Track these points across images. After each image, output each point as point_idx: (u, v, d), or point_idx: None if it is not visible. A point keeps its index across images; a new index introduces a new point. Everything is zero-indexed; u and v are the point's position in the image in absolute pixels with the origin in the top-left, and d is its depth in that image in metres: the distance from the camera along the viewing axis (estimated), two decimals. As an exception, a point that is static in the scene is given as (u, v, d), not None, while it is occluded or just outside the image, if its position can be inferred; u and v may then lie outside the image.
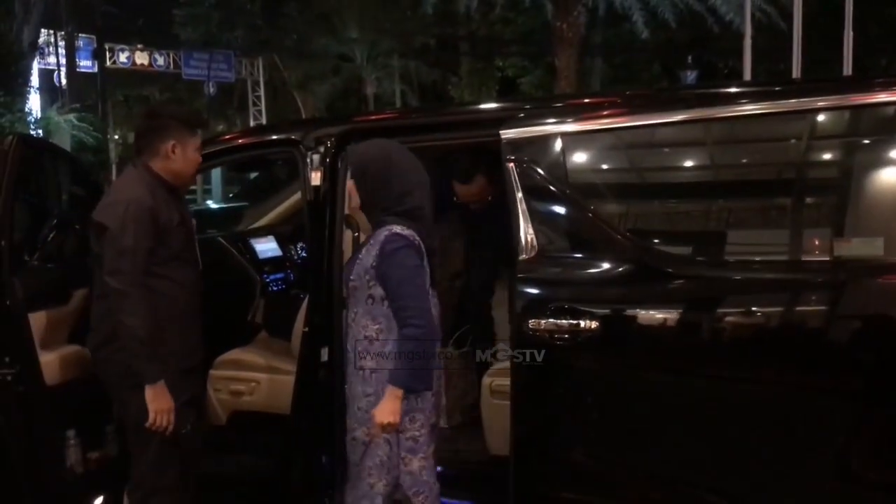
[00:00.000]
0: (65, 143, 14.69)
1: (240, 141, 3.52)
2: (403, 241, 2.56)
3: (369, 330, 2.60)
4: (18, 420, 2.79)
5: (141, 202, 2.74)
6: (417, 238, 2.61)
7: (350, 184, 2.70)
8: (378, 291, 2.58)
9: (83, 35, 19.91)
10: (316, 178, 3.19)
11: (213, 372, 3.66)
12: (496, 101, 7.66)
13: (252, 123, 24.47)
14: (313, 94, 23.10)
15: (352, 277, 2.63)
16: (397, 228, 2.58)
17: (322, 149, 3.16)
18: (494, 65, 23.40)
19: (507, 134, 2.73)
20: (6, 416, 2.78)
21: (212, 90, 24.22)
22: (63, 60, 18.75)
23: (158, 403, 2.71)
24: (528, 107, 2.94)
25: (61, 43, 18.81)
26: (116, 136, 22.97)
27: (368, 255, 2.59)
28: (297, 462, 3.07)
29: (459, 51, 23.31)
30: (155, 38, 22.29)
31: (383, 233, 2.58)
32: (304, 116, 21.27)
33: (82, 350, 2.98)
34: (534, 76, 22.01)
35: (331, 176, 3.13)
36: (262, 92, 25.20)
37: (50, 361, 2.89)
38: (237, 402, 3.67)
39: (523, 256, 2.63)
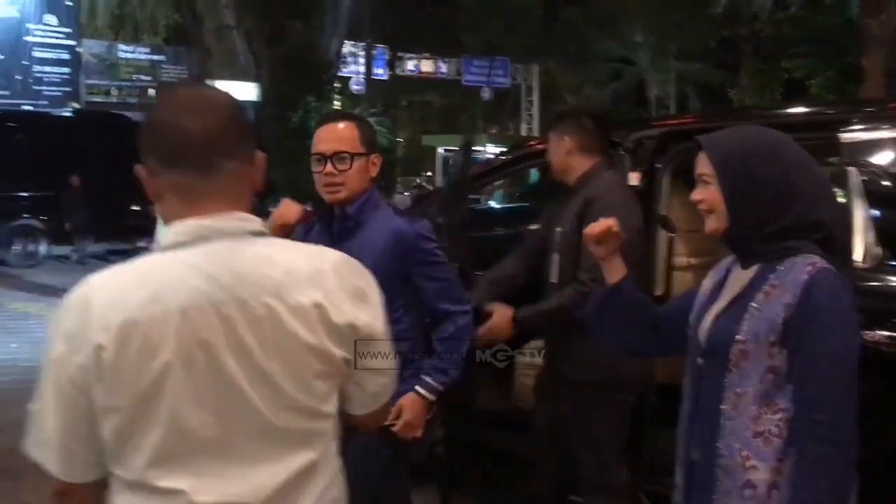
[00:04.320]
0: (361, 144, 16.13)
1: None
2: (846, 291, 1.62)
3: (764, 422, 1.63)
4: None
5: None
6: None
7: (708, 192, 1.72)
8: (784, 361, 1.62)
9: (377, 45, 21.76)
10: (634, 178, 3.31)
11: (520, 358, 3.90)
12: (832, 103, 7.30)
13: (524, 128, 25.17)
14: (586, 98, 23.27)
15: (739, 336, 1.65)
16: (824, 263, 1.62)
17: (641, 150, 3.27)
18: (780, 66, 22.01)
19: (849, 137, 2.66)
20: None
21: (488, 96, 25.26)
22: (358, 68, 20.63)
23: None
24: (869, 109, 2.84)
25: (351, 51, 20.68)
26: (399, 139, 24.72)
27: (773, 304, 1.62)
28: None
29: (741, 52, 22.23)
30: (438, 46, 23.72)
31: (802, 268, 1.61)
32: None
33: None
34: (825, 78, 20.41)
35: (649, 177, 3.24)
36: (534, 97, 25.81)
37: None
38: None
39: (861, 264, 2.54)
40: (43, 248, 13.16)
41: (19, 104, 16.88)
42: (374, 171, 2.42)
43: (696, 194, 1.74)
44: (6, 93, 17.32)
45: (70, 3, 18.44)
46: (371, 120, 16.85)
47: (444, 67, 24.29)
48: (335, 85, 17.52)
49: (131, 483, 1.18)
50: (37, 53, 17.88)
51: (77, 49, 18.53)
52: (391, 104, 21.24)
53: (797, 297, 1.58)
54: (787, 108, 4.11)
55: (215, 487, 1.18)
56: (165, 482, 1.16)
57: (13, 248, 12.68)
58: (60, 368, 1.16)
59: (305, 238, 2.42)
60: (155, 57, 20.47)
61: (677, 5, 19.84)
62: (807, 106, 4.51)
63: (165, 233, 1.23)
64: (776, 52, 21.45)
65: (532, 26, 22.43)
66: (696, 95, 22.52)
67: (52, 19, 18.05)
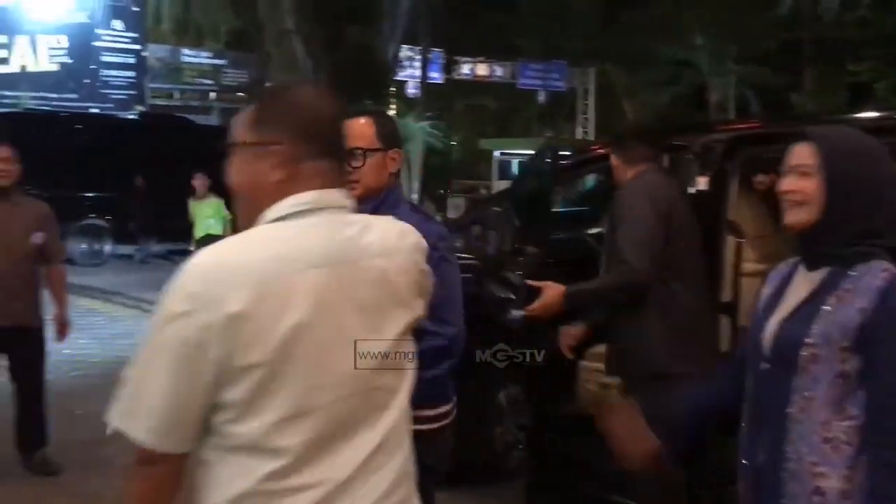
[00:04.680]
0: (417, 147, 16.24)
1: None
2: None
3: (833, 429, 1.61)
4: None
5: None
6: None
7: (806, 183, 1.68)
8: (856, 366, 1.60)
9: (433, 49, 21.83)
10: (702, 182, 3.25)
11: (583, 363, 3.85)
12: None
13: (579, 132, 24.98)
14: (643, 102, 22.97)
15: (809, 339, 1.63)
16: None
17: (710, 154, 3.21)
18: (845, 69, 21.43)
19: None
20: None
21: (543, 99, 25.12)
22: (413, 72, 20.73)
23: None
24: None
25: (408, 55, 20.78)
26: (453, 143, 24.74)
27: (847, 308, 1.60)
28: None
29: (804, 55, 21.70)
30: (494, 50, 23.68)
31: (877, 273, 1.60)
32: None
33: None
34: (889, 81, 19.82)
35: (717, 181, 3.18)
36: (590, 101, 25.58)
37: None
38: (604, 396, 3.81)
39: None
40: (108, 247, 13.53)
41: (87, 107, 17.41)
42: (392, 167, 2.35)
43: (790, 184, 1.70)
44: (74, 96, 17.89)
45: (136, 9, 18.95)
46: (426, 124, 17.01)
47: (499, 71, 24.24)
48: (391, 89, 17.64)
49: (241, 447, 1.21)
50: (104, 58, 18.43)
51: (142, 53, 19.04)
52: (446, 108, 21.26)
53: (873, 303, 1.57)
54: (857, 112, 3.97)
55: (318, 460, 1.23)
56: (281, 443, 1.21)
57: (80, 247, 13.05)
58: (179, 330, 1.19)
59: None
60: (217, 61, 20.94)
61: (738, 8, 19.46)
62: (877, 110, 4.35)
63: (280, 204, 1.29)
64: (841, 54, 20.92)
65: (589, 29, 22.22)
66: (756, 99, 22.05)
67: (119, 24, 18.58)
